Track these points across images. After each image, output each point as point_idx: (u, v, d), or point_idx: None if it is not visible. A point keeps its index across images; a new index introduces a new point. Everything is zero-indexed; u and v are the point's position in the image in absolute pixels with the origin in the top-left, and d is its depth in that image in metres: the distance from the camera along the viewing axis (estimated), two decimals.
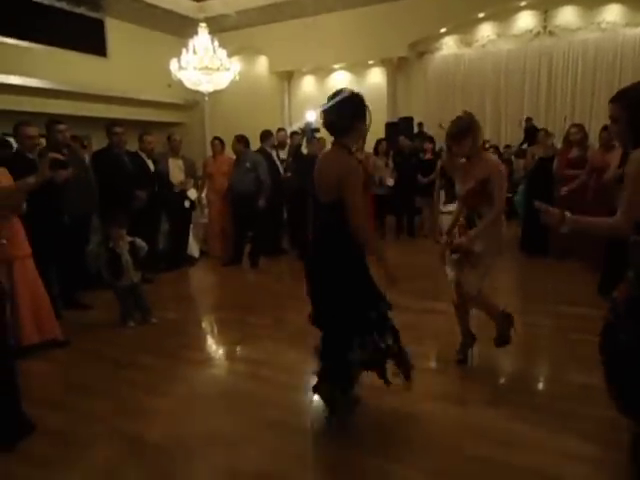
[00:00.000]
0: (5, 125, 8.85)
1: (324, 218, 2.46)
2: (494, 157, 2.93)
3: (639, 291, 1.87)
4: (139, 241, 4.10)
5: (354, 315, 2.39)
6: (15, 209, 3.34)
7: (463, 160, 2.98)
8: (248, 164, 6.07)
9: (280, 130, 7.20)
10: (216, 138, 6.64)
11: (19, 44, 9.24)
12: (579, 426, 2.45)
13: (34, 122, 4.17)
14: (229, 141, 6.43)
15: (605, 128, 5.65)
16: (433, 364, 3.34)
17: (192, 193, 6.23)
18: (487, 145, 6.89)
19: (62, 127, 4.52)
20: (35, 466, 2.29)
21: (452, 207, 5.72)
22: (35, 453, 2.38)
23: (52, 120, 4.60)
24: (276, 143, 6.90)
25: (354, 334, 2.38)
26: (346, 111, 2.37)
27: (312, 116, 9.54)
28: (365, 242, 2.38)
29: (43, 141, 4.54)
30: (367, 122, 2.41)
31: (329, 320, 2.45)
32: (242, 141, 6.19)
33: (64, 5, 9.83)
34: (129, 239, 4.06)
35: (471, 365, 3.25)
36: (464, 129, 2.88)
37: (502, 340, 3.12)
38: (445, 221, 5.87)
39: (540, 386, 3.09)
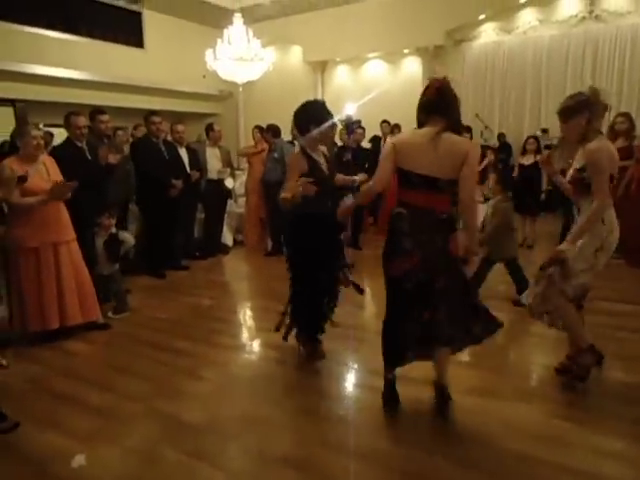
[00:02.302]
0: (48, 116, 9.22)
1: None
2: (596, 142, 2.47)
3: None
4: (124, 234, 4.06)
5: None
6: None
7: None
8: (276, 154, 6.09)
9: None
10: (257, 127, 6.63)
11: (62, 37, 9.52)
12: (617, 424, 2.39)
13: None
14: None
15: None
16: (467, 358, 3.28)
17: (229, 182, 6.31)
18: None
19: (105, 117, 4.67)
20: (76, 439, 2.40)
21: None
22: (77, 427, 2.49)
23: (95, 110, 4.74)
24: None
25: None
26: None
27: (352, 109, 9.46)
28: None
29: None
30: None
31: None
32: (269, 130, 6.22)
33: None
34: (113, 231, 4.02)
35: (505, 360, 3.19)
36: (572, 106, 2.54)
37: (579, 376, 2.72)
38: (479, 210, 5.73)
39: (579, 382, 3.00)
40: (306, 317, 3.18)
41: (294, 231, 3.06)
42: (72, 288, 3.54)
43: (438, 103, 2.28)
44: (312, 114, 2.88)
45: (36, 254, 3.39)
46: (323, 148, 3.15)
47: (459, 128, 2.34)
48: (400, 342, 2.44)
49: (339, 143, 6.86)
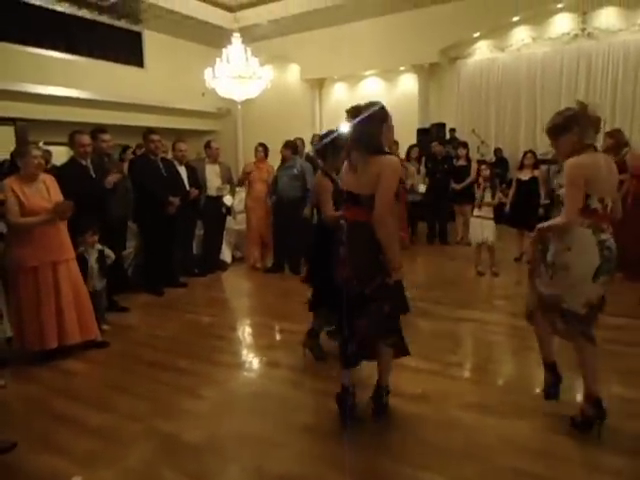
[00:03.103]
0: (49, 135, 9.30)
1: None
2: (576, 158, 2.37)
3: None
4: (108, 250, 4.12)
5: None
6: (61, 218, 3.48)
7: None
8: (296, 170, 5.96)
9: (297, 139, 7.28)
10: (260, 145, 6.55)
11: (64, 57, 9.68)
12: (614, 439, 2.38)
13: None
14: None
15: None
16: (467, 373, 3.29)
17: (228, 199, 6.32)
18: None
19: (106, 137, 4.75)
20: (75, 462, 2.37)
21: (483, 211, 5.69)
22: (75, 448, 2.47)
23: (96, 129, 4.80)
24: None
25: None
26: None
27: (347, 127, 9.57)
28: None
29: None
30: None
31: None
32: (290, 147, 6.16)
33: (105, 19, 10.23)
34: (99, 247, 4.06)
35: (505, 376, 3.18)
36: (561, 124, 2.44)
37: (581, 425, 2.47)
38: (475, 225, 5.79)
39: (577, 398, 2.99)
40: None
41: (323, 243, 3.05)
42: (71, 307, 3.54)
43: (352, 139, 2.53)
44: (330, 141, 3.23)
45: (35, 273, 3.40)
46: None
47: (378, 149, 2.45)
48: (344, 344, 2.63)
49: None
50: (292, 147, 6.18)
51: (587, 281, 2.38)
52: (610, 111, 9.28)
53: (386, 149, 2.53)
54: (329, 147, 3.25)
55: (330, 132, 3.35)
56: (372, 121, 2.46)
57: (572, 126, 2.40)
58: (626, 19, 9.01)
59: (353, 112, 2.52)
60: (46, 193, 3.46)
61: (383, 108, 2.52)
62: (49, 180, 3.58)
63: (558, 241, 2.44)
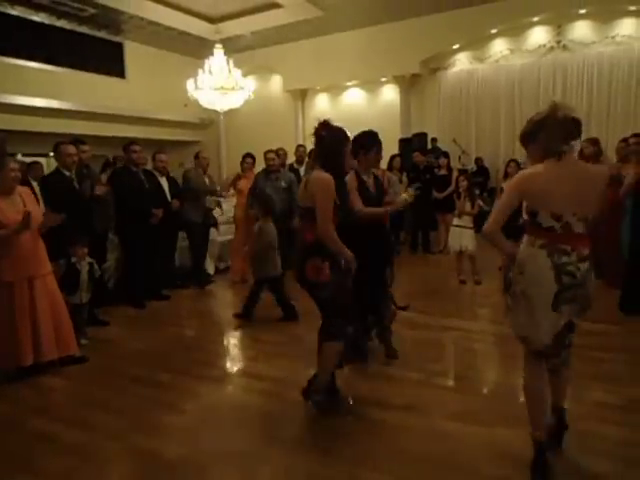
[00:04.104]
0: (27, 146, 9.14)
1: None
2: (527, 169, 2.20)
3: None
4: (95, 265, 4.11)
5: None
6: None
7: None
8: (284, 183, 5.84)
9: (299, 147, 7.29)
10: (248, 155, 6.44)
11: (43, 67, 9.56)
12: (600, 447, 2.39)
13: (54, 143, 4.34)
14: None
15: (623, 140, 5.60)
16: (451, 382, 3.29)
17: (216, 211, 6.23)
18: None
19: (85, 147, 4.70)
20: None
21: (463, 221, 5.74)
22: (51, 469, 2.40)
23: (76, 139, 4.77)
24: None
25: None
26: None
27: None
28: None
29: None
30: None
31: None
32: (280, 156, 6.05)
33: (86, 29, 10.15)
34: (89, 260, 4.04)
35: (490, 384, 3.19)
36: (528, 131, 2.20)
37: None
38: (454, 234, 5.83)
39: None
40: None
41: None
42: (48, 322, 3.44)
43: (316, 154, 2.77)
44: (361, 142, 3.27)
45: (10, 289, 3.31)
46: (377, 171, 3.62)
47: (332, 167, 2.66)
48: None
49: None
50: (282, 157, 6.12)
51: (545, 310, 2.08)
52: (585, 121, 9.48)
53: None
54: (361, 146, 3.30)
55: (363, 134, 3.38)
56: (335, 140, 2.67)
57: (538, 133, 2.13)
58: (599, 32, 9.28)
59: (319, 127, 2.69)
60: (22, 206, 3.38)
61: (343, 131, 2.73)
62: (25, 193, 3.50)
63: (514, 264, 2.18)
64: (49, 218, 3.53)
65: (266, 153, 5.99)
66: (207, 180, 6.15)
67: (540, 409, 2.23)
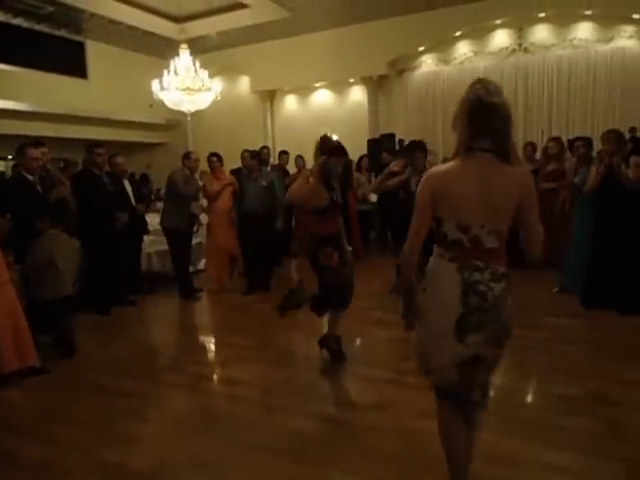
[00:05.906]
0: None
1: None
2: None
3: None
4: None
5: None
6: None
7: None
8: (264, 182, 5.60)
9: (264, 148, 7.21)
10: (214, 155, 5.89)
11: None
12: (563, 438, 2.45)
13: (11, 145, 4.16)
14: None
15: (579, 139, 5.71)
16: (422, 381, 3.30)
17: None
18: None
19: (44, 150, 4.53)
20: None
21: None
22: None
23: (34, 142, 4.57)
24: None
25: None
26: None
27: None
28: None
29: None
30: None
31: None
32: (255, 157, 5.70)
33: (44, 28, 9.80)
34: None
35: None
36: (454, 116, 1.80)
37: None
38: None
39: (524, 399, 3.09)
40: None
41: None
42: (7, 333, 3.30)
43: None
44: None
45: None
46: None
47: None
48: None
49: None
50: (259, 157, 5.82)
51: (447, 337, 1.72)
52: (547, 121, 9.81)
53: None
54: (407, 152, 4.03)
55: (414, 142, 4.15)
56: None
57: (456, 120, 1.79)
58: (558, 35, 9.60)
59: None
60: None
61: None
62: None
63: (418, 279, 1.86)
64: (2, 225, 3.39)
65: (242, 153, 5.90)
66: (200, 183, 5.85)
67: (454, 460, 1.91)
